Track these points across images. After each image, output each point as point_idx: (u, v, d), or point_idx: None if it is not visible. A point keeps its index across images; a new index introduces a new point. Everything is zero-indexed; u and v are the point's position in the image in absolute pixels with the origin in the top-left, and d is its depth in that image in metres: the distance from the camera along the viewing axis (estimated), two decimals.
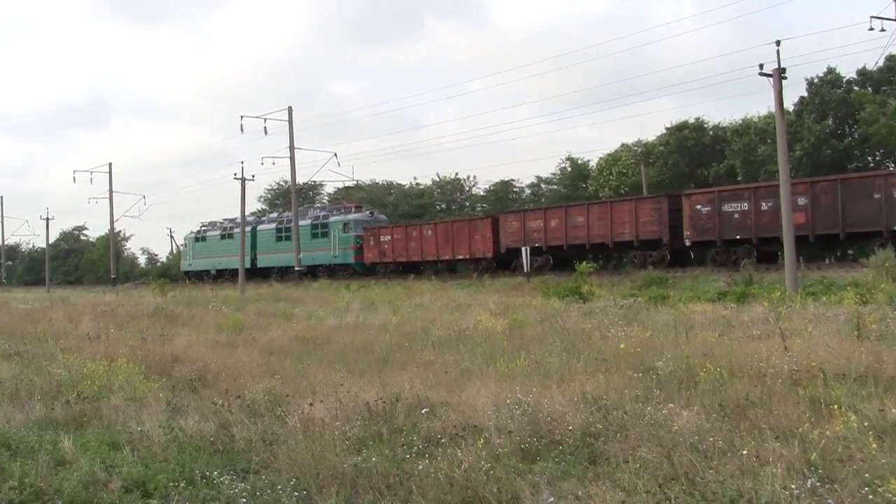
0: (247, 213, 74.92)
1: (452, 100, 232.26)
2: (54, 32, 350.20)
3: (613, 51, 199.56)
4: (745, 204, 46.70)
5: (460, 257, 65.25)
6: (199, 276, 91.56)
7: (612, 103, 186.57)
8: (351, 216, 75.82)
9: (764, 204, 45.53)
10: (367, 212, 79.47)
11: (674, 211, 50.33)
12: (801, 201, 43.21)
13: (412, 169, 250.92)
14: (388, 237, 70.70)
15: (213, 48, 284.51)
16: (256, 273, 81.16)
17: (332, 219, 77.14)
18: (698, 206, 48.81)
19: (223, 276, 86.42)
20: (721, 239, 47.74)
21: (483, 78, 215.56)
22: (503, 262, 60.08)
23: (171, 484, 9.55)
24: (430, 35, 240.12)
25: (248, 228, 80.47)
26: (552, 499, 8.38)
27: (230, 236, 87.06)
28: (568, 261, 53.30)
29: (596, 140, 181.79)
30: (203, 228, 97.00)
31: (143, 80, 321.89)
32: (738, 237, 47.07)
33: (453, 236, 65.16)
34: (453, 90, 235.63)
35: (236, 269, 73.66)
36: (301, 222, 76.74)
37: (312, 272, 75.16)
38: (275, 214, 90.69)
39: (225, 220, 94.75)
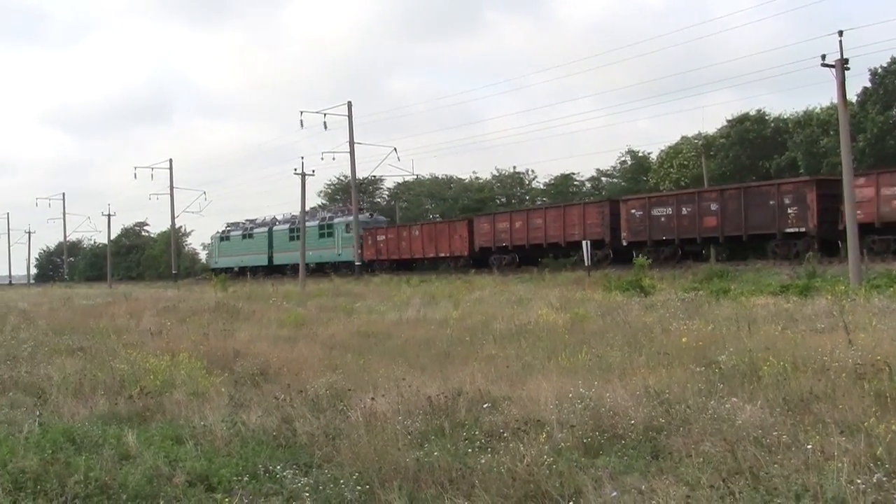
0: (306, 207, 76.35)
1: (512, 93, 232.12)
2: (117, 32, 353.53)
3: (674, 42, 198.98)
4: (670, 209, 53.16)
5: (442, 255, 71.56)
6: (225, 273, 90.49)
7: (673, 96, 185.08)
8: (352, 218, 79.97)
9: (684, 209, 52.28)
10: (368, 213, 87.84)
11: (614, 215, 57.00)
12: (714, 207, 50.77)
13: (471, 163, 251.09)
14: (384, 237, 78.27)
15: (274, 45, 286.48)
16: (274, 270, 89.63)
17: (336, 220, 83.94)
18: (633, 211, 55.36)
19: (245, 272, 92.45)
20: (651, 239, 54.15)
21: (543, 71, 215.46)
22: (478, 260, 67.33)
23: (235, 478, 9.60)
24: (489, 29, 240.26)
25: (264, 230, 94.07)
26: (615, 493, 8.34)
27: (251, 236, 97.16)
28: (530, 258, 62.56)
29: (656, 133, 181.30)
30: (227, 229, 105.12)
31: (204, 77, 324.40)
32: (664, 238, 53.47)
33: (436, 236, 72.18)
34: (513, 84, 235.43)
35: (257, 266, 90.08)
36: (309, 223, 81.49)
37: (320, 269, 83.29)
38: (288, 216, 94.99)
39: (246, 220, 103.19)
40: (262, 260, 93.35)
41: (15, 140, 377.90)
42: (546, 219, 62.36)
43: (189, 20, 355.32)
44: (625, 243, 55.80)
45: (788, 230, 47.17)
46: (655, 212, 53.87)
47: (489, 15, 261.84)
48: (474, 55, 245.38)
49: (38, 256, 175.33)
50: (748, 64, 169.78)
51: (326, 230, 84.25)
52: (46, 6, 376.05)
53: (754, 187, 51.50)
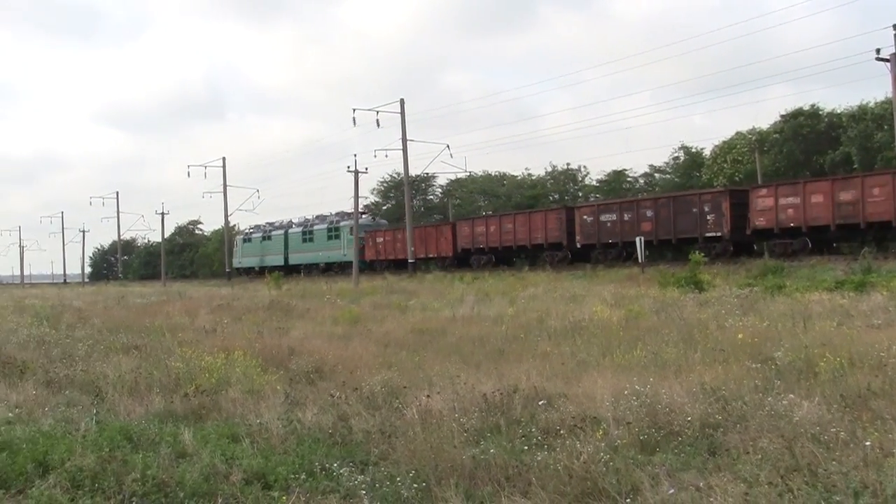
0: (360, 205, 77.99)
1: (566, 89, 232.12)
2: (172, 30, 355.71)
3: (729, 37, 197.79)
4: (615, 216, 59.63)
5: (431, 255, 78.25)
6: (247, 272, 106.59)
7: (728, 91, 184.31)
8: (361, 222, 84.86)
9: (626, 215, 58.61)
10: (370, 217, 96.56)
11: (570, 220, 63.42)
12: (649, 213, 57.21)
13: (525, 160, 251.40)
14: (382, 239, 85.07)
15: (327, 42, 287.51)
16: (290, 270, 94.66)
17: (342, 224, 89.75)
18: (585, 217, 61.96)
19: (265, 271, 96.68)
20: (599, 242, 60.28)
21: (597, 67, 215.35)
22: (461, 260, 74.18)
23: (292, 476, 9.62)
24: (543, 24, 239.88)
25: (281, 233, 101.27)
26: (672, 490, 8.32)
27: (269, 238, 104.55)
28: (504, 259, 70.69)
29: (711, 128, 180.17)
30: (249, 231, 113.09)
31: (258, 74, 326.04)
32: (610, 241, 59.52)
33: (426, 238, 78.81)
34: (567, 79, 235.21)
35: (275, 266, 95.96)
36: (318, 227, 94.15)
37: (329, 268, 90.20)
38: (301, 219, 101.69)
39: (266, 223, 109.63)
40: (280, 260, 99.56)
41: (69, 138, 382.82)
42: (515, 224, 69.12)
43: (243, 17, 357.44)
44: (579, 245, 62.19)
45: (708, 234, 53.54)
46: (603, 218, 60.57)
47: (543, 10, 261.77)
48: (528, 51, 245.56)
49: (91, 255, 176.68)
50: (803, 58, 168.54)
51: (334, 233, 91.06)
52: (101, 5, 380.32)
53: (681, 196, 58.53)
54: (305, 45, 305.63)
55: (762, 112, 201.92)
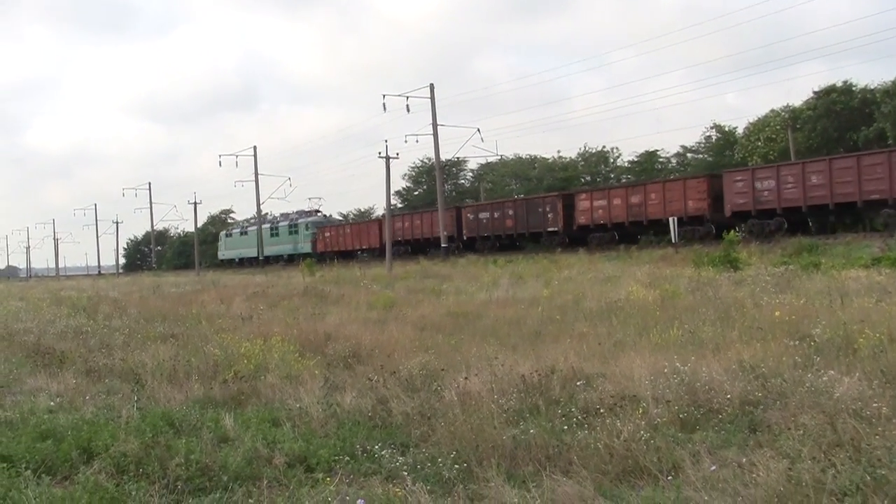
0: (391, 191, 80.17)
1: (598, 70, 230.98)
2: (205, 22, 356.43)
3: (763, 13, 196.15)
4: (488, 213, 76.08)
5: (364, 247, 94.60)
6: (229, 264, 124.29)
7: (762, 68, 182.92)
8: (310, 219, 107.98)
9: (496, 213, 74.96)
10: (322, 215, 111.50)
11: (458, 218, 79.85)
12: (511, 212, 73.12)
13: (558, 142, 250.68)
14: (329, 233, 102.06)
15: (360, 30, 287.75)
16: (264, 261, 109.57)
17: (299, 221, 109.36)
18: (468, 215, 78.99)
19: (243, 262, 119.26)
20: (479, 235, 76.82)
21: (627, 47, 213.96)
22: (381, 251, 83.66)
23: (334, 458, 9.71)
24: (579, 8, 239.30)
25: (254, 229, 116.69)
26: (714, 467, 8.32)
27: (246, 234, 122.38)
28: (421, 249, 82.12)
29: (744, 107, 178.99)
30: (230, 229, 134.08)
31: (291, 63, 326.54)
32: (486, 235, 75.82)
33: (359, 233, 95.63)
34: (600, 60, 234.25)
35: (251, 258, 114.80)
36: (282, 224, 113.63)
37: (291, 258, 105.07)
38: (272, 217, 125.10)
39: (244, 220, 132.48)
40: (254, 252, 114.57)
41: (104, 132, 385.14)
42: (424, 220, 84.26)
43: (279, 6, 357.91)
44: (465, 238, 78.54)
45: (550, 229, 68.27)
46: (481, 215, 77.10)
47: None
48: (562, 34, 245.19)
49: (125, 246, 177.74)
50: (838, 33, 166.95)
51: (293, 229, 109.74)
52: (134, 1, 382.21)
53: (531, 199, 74.77)
54: (339, 34, 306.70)
55: (796, 89, 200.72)
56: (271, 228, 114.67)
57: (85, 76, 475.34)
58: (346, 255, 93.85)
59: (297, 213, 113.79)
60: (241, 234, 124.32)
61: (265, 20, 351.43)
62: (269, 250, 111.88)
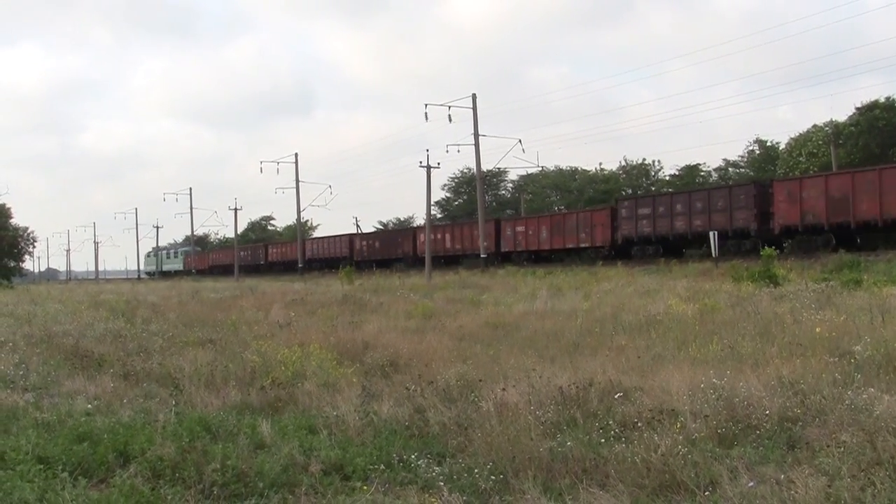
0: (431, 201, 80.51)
1: (652, 80, 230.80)
2: (265, 29, 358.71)
3: (821, 23, 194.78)
4: (449, 233, 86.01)
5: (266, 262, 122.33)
6: (162, 276, 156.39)
7: (816, 79, 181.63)
8: (184, 248, 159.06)
9: (463, 231, 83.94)
10: (192, 246, 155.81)
11: (415, 238, 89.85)
12: (476, 232, 77.90)
13: (600, 154, 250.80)
14: (192, 258, 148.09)
15: (418, 38, 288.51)
16: (163, 274, 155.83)
17: (179, 249, 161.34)
18: (439, 236, 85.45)
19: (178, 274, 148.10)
20: (444, 255, 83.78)
21: (684, 56, 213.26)
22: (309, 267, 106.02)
23: (370, 467, 9.70)
24: (638, 18, 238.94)
25: (165, 252, 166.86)
26: (752, 483, 8.29)
27: (167, 253, 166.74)
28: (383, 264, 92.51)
29: (795, 121, 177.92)
30: (154, 249, 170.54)
31: (344, 70, 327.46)
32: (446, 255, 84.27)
33: (254, 252, 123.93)
34: (654, 69, 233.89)
35: (174, 270, 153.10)
36: (173, 250, 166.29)
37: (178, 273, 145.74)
38: (178, 242, 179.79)
39: (168, 244, 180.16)
40: (163, 267, 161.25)
41: (154, 136, 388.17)
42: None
43: (342, 13, 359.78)
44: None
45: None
46: (440, 235, 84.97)
47: (640, 4, 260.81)
48: (619, 44, 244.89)
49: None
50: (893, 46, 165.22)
51: (174, 254, 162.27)
52: (199, 5, 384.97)
53: (474, 223, 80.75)
54: (396, 41, 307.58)
55: (841, 104, 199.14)
56: (167, 253, 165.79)
57: (141, 79, 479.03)
58: (221, 272, 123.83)
59: (181, 243, 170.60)
60: (167, 255, 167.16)
61: (326, 26, 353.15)
62: (169, 266, 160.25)
